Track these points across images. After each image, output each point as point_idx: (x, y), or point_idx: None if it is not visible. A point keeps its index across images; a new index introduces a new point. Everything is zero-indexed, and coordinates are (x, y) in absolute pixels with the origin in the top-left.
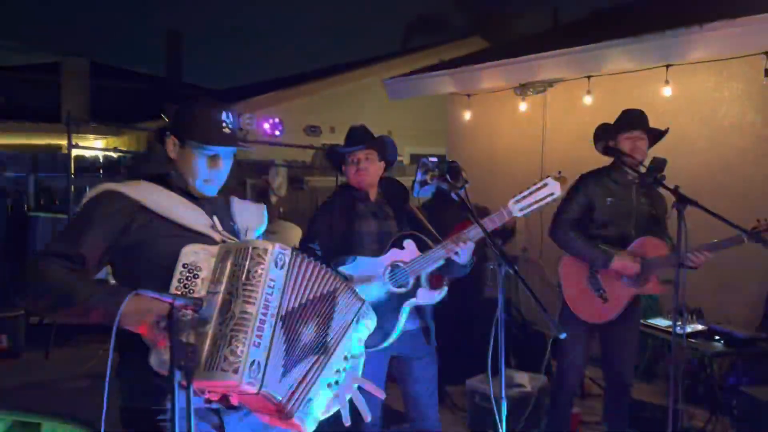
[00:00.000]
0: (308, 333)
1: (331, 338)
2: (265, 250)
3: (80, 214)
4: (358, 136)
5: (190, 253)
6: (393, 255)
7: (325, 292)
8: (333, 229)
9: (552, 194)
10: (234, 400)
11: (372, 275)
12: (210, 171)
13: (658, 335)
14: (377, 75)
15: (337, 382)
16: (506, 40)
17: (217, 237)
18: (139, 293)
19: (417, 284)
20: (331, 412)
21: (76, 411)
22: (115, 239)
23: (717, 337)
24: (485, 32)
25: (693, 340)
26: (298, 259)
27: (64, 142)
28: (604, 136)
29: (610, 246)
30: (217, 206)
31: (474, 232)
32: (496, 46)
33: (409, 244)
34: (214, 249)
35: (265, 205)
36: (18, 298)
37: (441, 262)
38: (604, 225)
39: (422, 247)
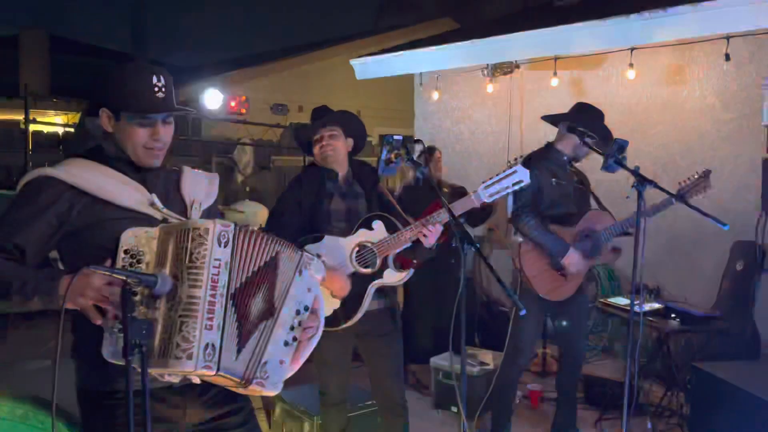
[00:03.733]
0: (257, 303)
1: (276, 298)
2: (207, 230)
3: (15, 203)
4: (321, 113)
5: (130, 238)
6: (361, 235)
7: (268, 259)
8: (301, 206)
9: (521, 181)
10: (195, 380)
11: (339, 254)
12: (150, 140)
13: (618, 314)
14: (346, 54)
15: (294, 338)
16: (476, 21)
17: (158, 215)
18: (91, 269)
19: (384, 265)
20: (296, 369)
21: (35, 392)
22: (54, 227)
23: (674, 315)
24: (456, 14)
25: (651, 318)
26: (241, 234)
27: (21, 117)
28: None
29: (559, 225)
30: (165, 178)
31: (443, 216)
32: (466, 26)
33: (377, 225)
34: (155, 231)
35: (217, 175)
36: None
37: (408, 244)
38: (552, 205)
39: (391, 229)
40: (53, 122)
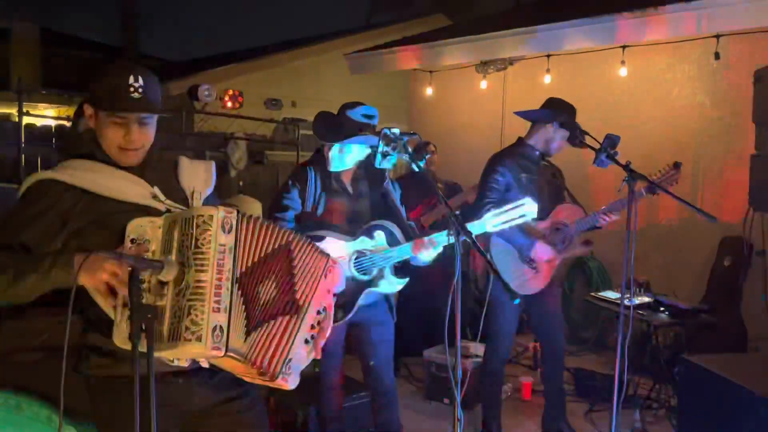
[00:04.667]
0: (267, 290)
1: (300, 297)
2: (211, 217)
3: (18, 207)
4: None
5: (137, 227)
6: (361, 243)
7: (276, 247)
8: (305, 201)
9: (525, 215)
10: (204, 364)
11: (338, 257)
12: (123, 140)
13: (608, 307)
14: (340, 49)
15: (312, 337)
16: (469, 18)
17: (161, 207)
18: (99, 254)
19: (380, 274)
20: (308, 362)
21: (29, 383)
22: (58, 226)
23: (663, 309)
24: (448, 10)
25: (640, 312)
26: (245, 220)
27: (12, 111)
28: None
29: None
30: (162, 170)
31: (443, 239)
32: (459, 23)
33: (379, 235)
34: (159, 220)
35: (213, 162)
36: None
37: (406, 257)
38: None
39: (391, 240)
40: (44, 115)
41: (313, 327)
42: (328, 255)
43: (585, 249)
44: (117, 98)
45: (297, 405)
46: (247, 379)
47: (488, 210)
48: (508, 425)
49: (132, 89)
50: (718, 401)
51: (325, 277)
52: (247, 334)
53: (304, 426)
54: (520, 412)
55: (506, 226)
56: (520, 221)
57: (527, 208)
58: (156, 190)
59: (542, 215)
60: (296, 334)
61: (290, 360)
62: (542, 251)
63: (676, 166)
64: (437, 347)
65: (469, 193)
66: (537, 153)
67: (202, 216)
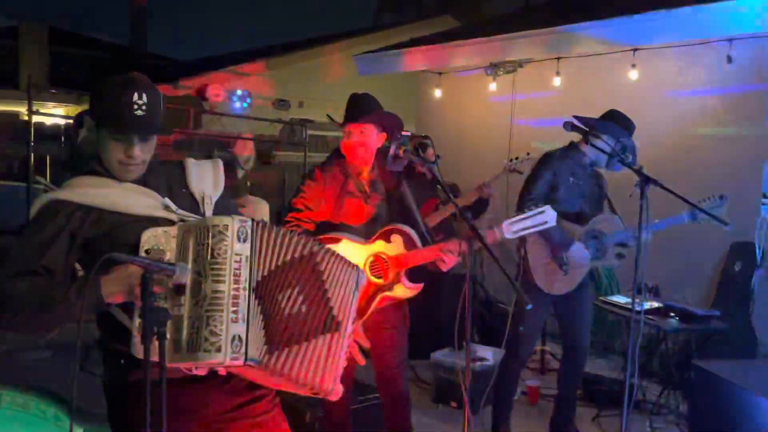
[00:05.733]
0: (292, 300)
1: (338, 313)
2: (226, 227)
3: (33, 230)
4: (363, 107)
5: (151, 238)
6: (378, 246)
7: (297, 256)
8: (321, 203)
9: (546, 222)
10: (222, 372)
11: (354, 260)
12: (124, 155)
13: (617, 312)
14: (348, 50)
15: (348, 345)
16: (478, 20)
17: (173, 217)
18: (112, 256)
19: (396, 279)
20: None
21: (37, 382)
22: (71, 243)
23: (672, 314)
24: (456, 11)
25: (650, 317)
26: (260, 229)
27: (21, 109)
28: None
29: (569, 222)
30: (168, 174)
31: (463, 245)
32: (468, 25)
33: (396, 239)
34: (174, 230)
35: (220, 161)
36: None
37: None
38: (565, 202)
39: (409, 245)
40: (53, 113)
41: (348, 336)
42: (357, 267)
43: (617, 261)
44: (119, 116)
45: (305, 406)
46: (283, 389)
47: (530, 206)
48: (515, 429)
49: (135, 107)
50: (728, 407)
51: (358, 290)
52: (270, 342)
53: (312, 427)
54: (527, 416)
55: (526, 233)
56: (539, 228)
57: (547, 216)
58: (167, 200)
59: (581, 221)
60: (342, 351)
61: (336, 377)
62: (577, 254)
63: (723, 198)
64: (445, 350)
65: (471, 194)
66: (587, 159)
67: (218, 226)
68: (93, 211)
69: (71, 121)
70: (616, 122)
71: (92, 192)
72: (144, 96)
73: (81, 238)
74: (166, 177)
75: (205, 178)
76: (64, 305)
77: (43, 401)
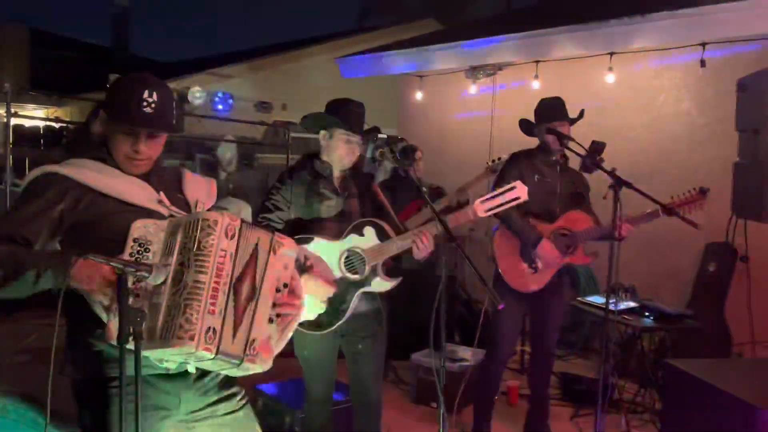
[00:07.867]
0: (246, 288)
1: (257, 279)
2: (216, 222)
3: (21, 198)
4: (363, 120)
5: (140, 228)
6: (351, 241)
7: (254, 247)
8: (293, 204)
9: (519, 198)
10: (190, 368)
11: (328, 258)
12: (131, 150)
13: (594, 312)
14: (331, 53)
15: (278, 315)
16: (459, 23)
17: (165, 211)
18: (88, 258)
19: (372, 273)
20: (282, 346)
21: (16, 385)
22: (59, 221)
23: (648, 314)
24: (439, 14)
25: (626, 317)
26: (245, 228)
27: (1, 111)
28: (541, 121)
29: (538, 220)
30: (167, 178)
31: (437, 228)
32: (450, 28)
33: (369, 231)
34: (164, 223)
35: (214, 180)
36: None
37: (397, 252)
38: (533, 200)
39: (382, 236)
40: (33, 116)
41: (275, 305)
42: (272, 230)
43: (585, 258)
44: (128, 110)
45: (285, 410)
46: (217, 371)
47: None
48: (495, 429)
49: (145, 104)
50: (701, 406)
51: (275, 252)
52: (234, 336)
53: (292, 428)
54: (507, 416)
55: (500, 209)
56: (513, 204)
57: (518, 192)
58: (162, 195)
59: (551, 218)
60: (253, 315)
61: (254, 341)
62: (546, 251)
63: (702, 191)
64: (425, 351)
65: (453, 196)
66: (553, 156)
67: (207, 220)
68: (88, 193)
69: (52, 123)
70: (540, 111)
71: (89, 173)
72: (154, 94)
73: (69, 220)
74: (165, 180)
75: (200, 189)
76: (33, 272)
77: (21, 405)
